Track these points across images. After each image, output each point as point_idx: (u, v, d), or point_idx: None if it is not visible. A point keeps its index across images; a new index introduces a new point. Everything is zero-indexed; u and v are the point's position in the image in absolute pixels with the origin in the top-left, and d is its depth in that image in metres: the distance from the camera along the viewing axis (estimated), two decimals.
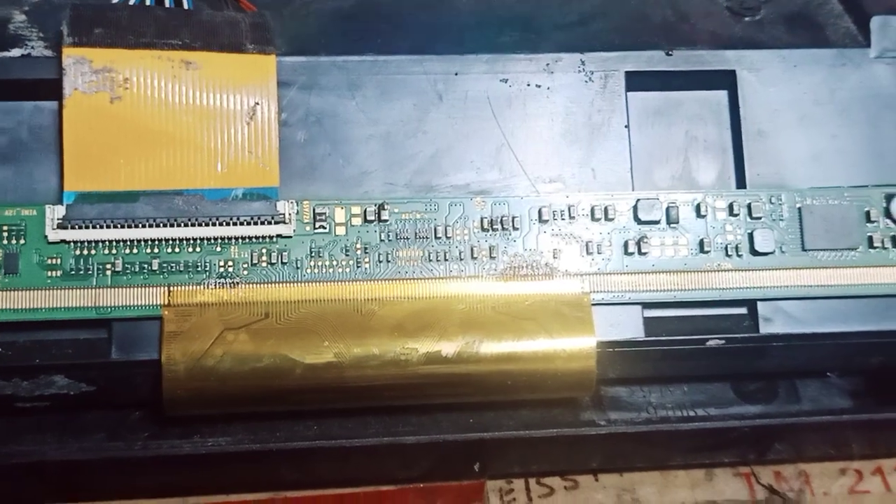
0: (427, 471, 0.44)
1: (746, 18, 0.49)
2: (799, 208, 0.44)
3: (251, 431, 0.43)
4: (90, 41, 0.42)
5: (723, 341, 0.44)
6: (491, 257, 0.43)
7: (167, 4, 0.45)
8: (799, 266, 0.44)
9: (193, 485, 0.43)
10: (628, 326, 0.43)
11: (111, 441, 0.42)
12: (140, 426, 0.43)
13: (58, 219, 0.41)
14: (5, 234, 0.41)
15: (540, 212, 0.43)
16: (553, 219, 0.44)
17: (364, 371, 0.41)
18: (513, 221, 0.43)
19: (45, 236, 0.41)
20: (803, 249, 0.44)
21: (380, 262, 0.43)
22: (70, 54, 0.42)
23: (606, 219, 0.44)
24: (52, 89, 0.43)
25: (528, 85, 0.45)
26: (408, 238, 0.43)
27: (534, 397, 0.43)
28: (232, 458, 0.42)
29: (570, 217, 0.44)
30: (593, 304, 0.43)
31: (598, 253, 0.43)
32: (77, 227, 0.41)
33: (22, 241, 0.41)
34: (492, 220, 0.43)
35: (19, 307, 0.41)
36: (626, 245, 0.44)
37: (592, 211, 0.44)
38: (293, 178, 0.43)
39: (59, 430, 0.43)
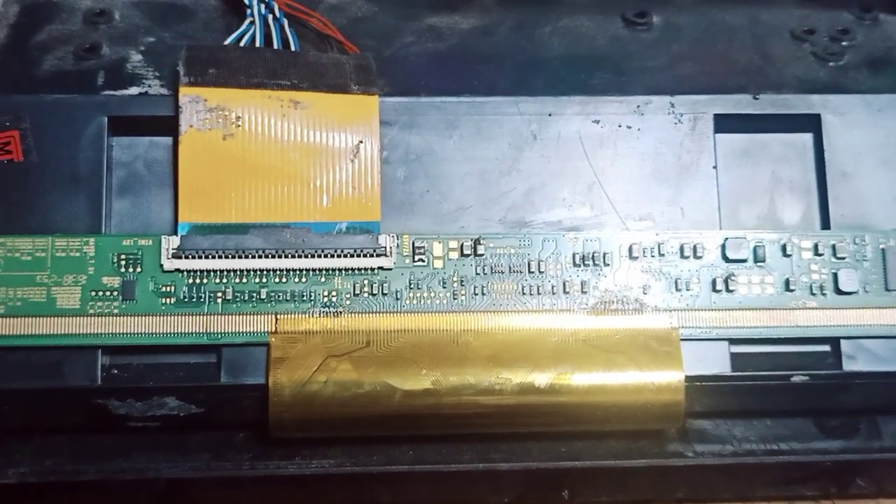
0: (517, 496, 0.45)
1: (831, 63, 0.50)
2: (882, 249, 0.46)
3: (350, 455, 0.44)
4: (205, 81, 0.45)
5: (807, 377, 0.45)
6: (582, 292, 0.45)
7: (275, 46, 0.48)
8: (882, 305, 0.45)
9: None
10: (715, 361, 0.44)
11: (217, 461, 0.44)
12: (245, 447, 0.45)
13: (172, 249, 0.43)
14: (123, 263, 0.43)
15: (630, 248, 0.45)
16: (643, 255, 0.45)
17: (460, 399, 0.43)
18: (604, 257, 0.45)
19: (161, 265, 0.43)
20: (886, 289, 0.45)
21: (475, 294, 0.44)
22: (186, 93, 0.44)
23: (695, 256, 0.45)
24: (167, 126, 0.45)
25: (619, 126, 0.47)
26: (502, 272, 0.45)
27: (622, 428, 0.45)
28: (333, 479, 0.44)
29: (660, 254, 0.45)
30: (682, 339, 0.44)
31: (687, 289, 0.45)
32: (190, 256, 0.43)
33: (139, 270, 0.43)
34: (583, 255, 0.45)
35: (135, 332, 0.43)
36: (713, 282, 0.45)
37: (681, 249, 0.45)
38: (394, 212, 0.45)
39: (168, 449, 0.44)
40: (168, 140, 0.46)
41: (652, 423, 0.45)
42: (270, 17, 0.48)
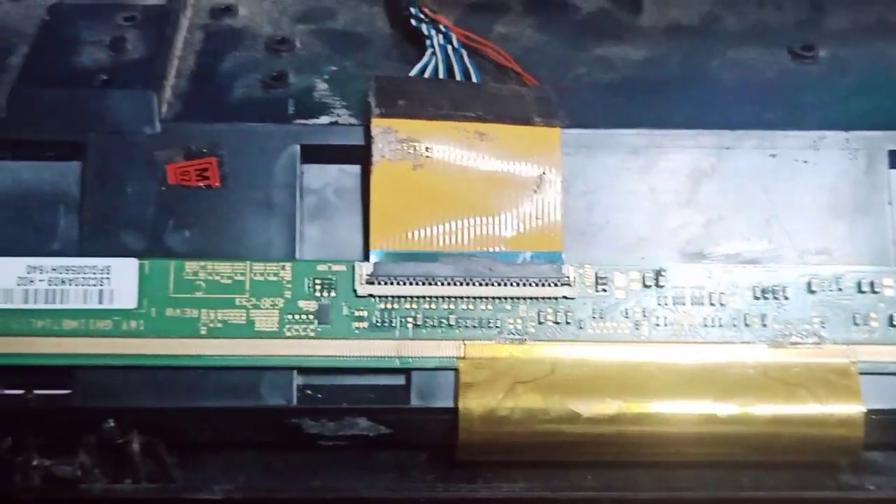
0: None
1: None
2: None
3: (529, 478, 0.46)
4: (395, 112, 0.46)
5: None
6: (762, 325, 0.45)
7: (457, 77, 0.49)
8: None
9: None
10: (894, 396, 0.45)
11: (403, 481, 0.45)
12: (428, 468, 0.46)
13: (366, 275, 0.45)
14: (318, 287, 0.45)
15: (809, 283, 0.46)
16: (820, 289, 0.46)
17: (642, 428, 0.44)
18: (783, 291, 0.46)
19: (354, 290, 0.45)
20: None
21: (657, 325, 0.45)
22: (378, 124, 0.46)
23: (872, 291, 0.46)
24: (355, 154, 0.46)
25: (795, 160, 0.47)
26: (683, 303, 0.46)
27: (798, 459, 0.46)
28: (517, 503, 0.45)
29: (838, 288, 0.46)
30: (860, 374, 0.45)
31: (865, 324, 0.45)
32: (383, 282, 0.45)
33: (333, 294, 0.45)
34: (763, 288, 0.46)
35: (330, 354, 0.44)
36: (891, 318, 0.45)
37: (859, 283, 0.46)
38: (574, 242, 0.46)
39: (355, 467, 0.46)
40: (355, 168, 0.47)
41: (828, 455, 0.45)
42: (449, 47, 0.49)
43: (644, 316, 0.45)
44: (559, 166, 0.46)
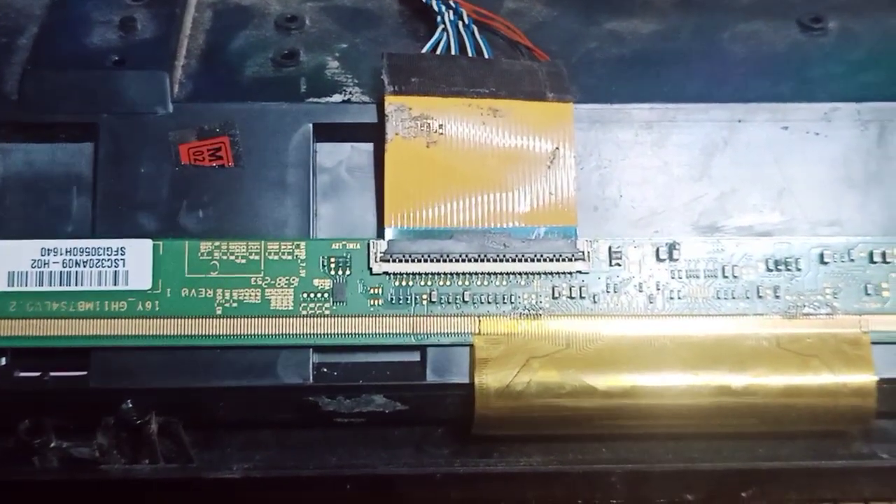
0: (707, 495, 0.47)
1: None
2: None
3: (545, 452, 0.46)
4: (408, 90, 0.46)
5: None
6: (775, 296, 0.46)
7: (469, 53, 0.49)
8: None
9: (494, 500, 0.47)
10: None
11: (419, 456, 0.46)
12: (444, 443, 0.46)
13: (380, 252, 0.45)
14: (333, 266, 0.45)
15: (821, 254, 0.46)
16: (833, 260, 0.46)
17: (657, 400, 0.44)
18: (796, 262, 0.46)
19: (370, 268, 0.45)
20: None
21: (671, 298, 0.46)
22: (392, 102, 0.46)
23: (884, 261, 0.46)
24: (368, 132, 0.46)
25: (808, 132, 0.48)
26: (697, 276, 0.46)
27: (810, 429, 0.46)
28: (531, 476, 0.45)
29: (850, 259, 0.46)
30: (872, 343, 0.45)
31: (877, 294, 0.46)
32: (397, 260, 0.45)
33: (348, 272, 0.45)
34: (776, 260, 0.46)
35: (346, 332, 0.45)
36: None
37: (871, 254, 0.46)
38: (588, 217, 0.46)
39: (372, 444, 0.46)
40: (368, 146, 0.47)
41: (841, 425, 0.46)
42: (460, 23, 0.49)
43: (658, 289, 0.46)
44: (572, 141, 0.46)
